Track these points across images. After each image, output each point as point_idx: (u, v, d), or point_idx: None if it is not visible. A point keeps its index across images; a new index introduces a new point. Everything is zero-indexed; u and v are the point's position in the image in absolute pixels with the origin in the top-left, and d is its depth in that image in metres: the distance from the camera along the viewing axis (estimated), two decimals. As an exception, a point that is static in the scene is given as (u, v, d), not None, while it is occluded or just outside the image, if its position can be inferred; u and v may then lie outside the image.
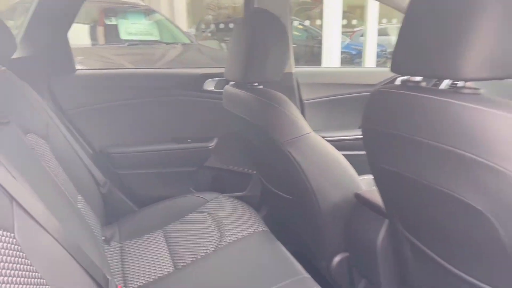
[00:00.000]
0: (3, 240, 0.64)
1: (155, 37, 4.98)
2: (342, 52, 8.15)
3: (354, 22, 9.01)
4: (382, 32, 8.38)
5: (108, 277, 0.99)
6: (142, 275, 1.33)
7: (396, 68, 0.85)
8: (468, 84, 0.75)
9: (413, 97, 0.81)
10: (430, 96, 0.77)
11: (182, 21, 8.43)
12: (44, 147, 1.24)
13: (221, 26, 9.35)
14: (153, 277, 1.31)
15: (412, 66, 0.82)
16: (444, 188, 0.79)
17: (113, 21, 4.72)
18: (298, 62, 2.13)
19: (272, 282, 1.16)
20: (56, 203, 0.99)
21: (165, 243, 1.48)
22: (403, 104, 0.84)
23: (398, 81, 0.91)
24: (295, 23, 8.57)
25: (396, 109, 0.86)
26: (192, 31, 8.85)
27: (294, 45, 2.19)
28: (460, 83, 0.76)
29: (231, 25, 9.13)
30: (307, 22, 8.84)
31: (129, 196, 1.96)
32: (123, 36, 4.59)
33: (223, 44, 9.00)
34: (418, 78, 0.88)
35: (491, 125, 0.68)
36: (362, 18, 8.54)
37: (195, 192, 1.80)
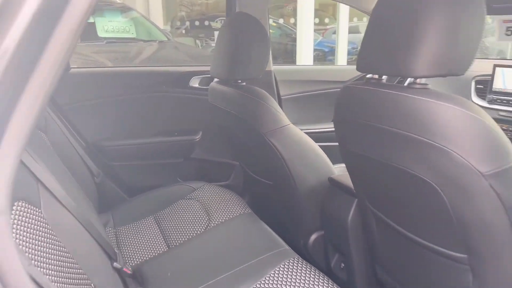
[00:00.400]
0: (34, 214, 0.75)
1: (132, 34, 5.00)
2: (315, 50, 8.30)
3: (326, 20, 9.19)
4: (353, 30, 8.55)
5: (116, 250, 1.12)
6: (138, 255, 1.45)
7: (361, 68, 1.02)
8: (418, 80, 0.92)
9: (375, 92, 0.98)
10: (388, 90, 0.94)
11: (158, 18, 8.41)
12: (45, 140, 1.35)
13: (197, 23, 9.36)
14: (149, 256, 1.44)
15: (373, 66, 0.98)
16: (400, 166, 0.96)
17: (90, 19, 4.74)
18: (274, 60, 2.28)
19: (257, 255, 1.31)
20: (68, 186, 1.11)
21: (157, 227, 1.60)
22: (367, 98, 1.01)
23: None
24: (269, 21, 8.69)
25: (361, 102, 1.03)
26: (167, 28, 8.84)
27: (268, 43, 2.32)
28: (412, 80, 0.93)
29: (206, 23, 9.16)
30: (281, 20, 8.98)
31: (120, 186, 2.05)
32: (101, 34, 4.61)
33: (198, 41, 9.03)
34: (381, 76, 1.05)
35: (435, 113, 0.85)
36: (334, 16, 8.73)
37: (183, 182, 1.92)
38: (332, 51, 8.63)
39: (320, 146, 1.59)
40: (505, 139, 0.85)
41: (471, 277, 0.98)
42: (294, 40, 8.05)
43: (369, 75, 1.08)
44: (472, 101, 2.00)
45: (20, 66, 0.39)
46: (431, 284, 1.13)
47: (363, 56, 1.01)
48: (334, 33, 8.43)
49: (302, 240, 1.62)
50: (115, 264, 1.09)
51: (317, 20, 8.24)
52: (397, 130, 0.92)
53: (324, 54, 9.19)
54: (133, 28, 5.08)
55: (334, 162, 1.61)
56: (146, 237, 1.54)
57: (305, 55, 7.51)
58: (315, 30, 8.18)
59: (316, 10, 8.08)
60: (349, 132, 1.12)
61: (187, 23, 9.54)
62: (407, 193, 1.01)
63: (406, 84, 0.95)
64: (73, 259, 0.82)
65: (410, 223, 1.08)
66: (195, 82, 2.17)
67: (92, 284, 0.87)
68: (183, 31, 9.56)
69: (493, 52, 7.13)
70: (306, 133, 1.62)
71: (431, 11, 0.84)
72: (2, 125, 0.40)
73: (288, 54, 8.63)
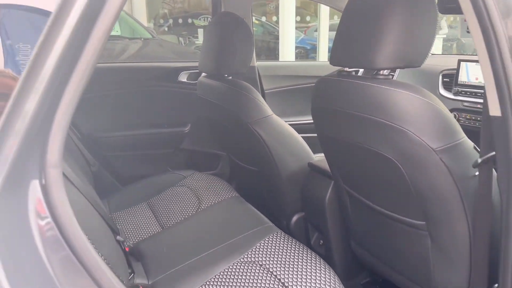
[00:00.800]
0: None
1: (116, 32, 5.07)
2: (298, 47, 8.44)
3: (307, 18, 9.35)
4: (334, 28, 8.68)
5: (118, 227, 1.25)
6: (134, 236, 1.57)
7: (333, 62, 1.16)
8: (381, 72, 1.07)
9: (345, 83, 1.13)
10: (356, 81, 1.09)
11: (142, 16, 8.44)
12: None
13: (180, 21, 9.41)
14: (144, 236, 1.56)
15: (344, 60, 1.13)
16: (368, 146, 1.11)
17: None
18: (259, 57, 2.41)
19: (243, 231, 1.44)
20: (74, 167, 1.23)
21: (150, 212, 1.72)
22: (338, 88, 1.16)
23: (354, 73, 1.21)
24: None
25: (334, 92, 1.18)
26: (151, 26, 8.88)
27: (251, 40, 2.45)
28: (376, 72, 1.08)
29: (189, 20, 9.22)
30: (263, 18, 9.10)
31: (114, 175, 2.16)
32: (86, 31, 4.66)
33: (181, 39, 9.09)
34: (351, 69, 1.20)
35: (395, 99, 1.01)
36: (316, 14, 8.88)
37: (173, 171, 2.05)
38: (314, 49, 8.77)
39: (302, 137, 1.74)
40: (453, 120, 1.01)
41: (430, 242, 1.14)
42: (277, 37, 8.17)
43: (347, 69, 1.22)
44: (440, 93, 2.17)
45: (68, 58, 0.52)
46: (397, 251, 1.29)
47: (335, 52, 1.16)
48: (316, 30, 8.58)
49: (285, 221, 1.77)
50: (118, 237, 1.21)
51: (298, 18, 8.39)
52: (364, 115, 1.07)
53: (306, 51, 9.33)
54: (117, 25, 5.14)
55: (314, 152, 1.76)
56: (141, 220, 1.65)
57: (287, 52, 7.66)
58: (297, 28, 8.32)
59: (298, 8, 8.22)
60: (325, 118, 1.27)
61: (170, 21, 9.57)
62: (374, 170, 1.17)
63: (370, 75, 1.10)
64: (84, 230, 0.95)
65: (378, 197, 1.24)
66: (183, 77, 2.29)
67: (99, 253, 1.00)
68: (166, 29, 9.59)
69: (470, 48, 7.42)
70: (289, 124, 1.77)
71: (390, 13, 0.99)
72: (57, 102, 0.53)
73: (271, 51, 8.75)
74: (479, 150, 0.99)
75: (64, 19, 0.50)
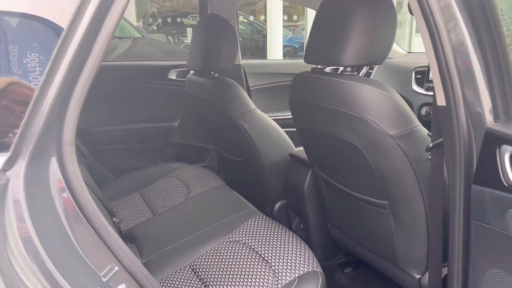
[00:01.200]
0: None
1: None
2: (286, 46, 8.56)
3: (295, 17, 9.47)
4: (321, 27, 8.81)
5: (114, 210, 1.37)
6: (128, 222, 1.69)
7: (307, 60, 1.30)
8: (348, 69, 1.21)
9: (317, 78, 1.27)
10: (326, 77, 1.23)
11: (131, 15, 8.50)
12: None
13: (169, 20, 9.47)
14: (137, 222, 1.69)
15: (316, 58, 1.27)
16: (337, 134, 1.25)
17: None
18: (245, 55, 2.54)
19: (229, 214, 1.58)
20: None
21: (143, 201, 1.84)
22: (312, 83, 1.29)
23: (328, 70, 1.32)
24: (240, 17, 8.93)
25: (307, 86, 1.32)
26: (140, 25, 8.93)
27: (240, 39, 2.58)
28: (343, 69, 1.22)
29: (178, 19, 9.29)
30: (251, 17, 9.21)
31: (107, 167, 2.28)
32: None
33: (170, 38, 9.15)
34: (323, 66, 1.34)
35: (358, 93, 1.15)
36: (303, 13, 9.00)
37: (164, 163, 2.17)
38: (302, 47, 8.88)
39: (285, 131, 1.87)
40: (409, 111, 1.16)
41: (393, 219, 1.29)
42: (265, 36, 8.29)
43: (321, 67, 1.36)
44: (412, 89, 2.33)
45: (79, 58, 0.65)
46: (367, 229, 1.44)
47: (308, 51, 1.29)
48: (304, 29, 8.71)
49: (269, 208, 1.90)
50: (114, 219, 1.34)
51: (285, 17, 8.51)
52: (333, 107, 1.21)
53: (294, 49, 9.43)
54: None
55: (296, 146, 1.89)
56: (134, 208, 1.77)
57: (275, 51, 7.79)
58: (285, 27, 8.43)
59: (286, 7, 8.34)
60: (301, 111, 1.41)
61: (159, 20, 9.62)
62: (343, 156, 1.31)
63: (339, 72, 1.24)
64: None
65: (348, 181, 1.38)
66: (172, 75, 2.42)
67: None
68: (155, 28, 9.64)
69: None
70: (273, 119, 1.90)
71: (354, 17, 1.13)
72: (71, 92, 0.66)
73: (260, 50, 8.86)
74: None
75: (74, 32, 0.63)
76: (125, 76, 2.37)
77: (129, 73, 2.40)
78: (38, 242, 0.59)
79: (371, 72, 2.62)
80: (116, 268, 0.73)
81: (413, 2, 0.98)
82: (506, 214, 0.85)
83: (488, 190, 0.91)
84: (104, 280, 0.70)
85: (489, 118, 0.93)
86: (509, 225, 0.85)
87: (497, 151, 0.87)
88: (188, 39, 8.35)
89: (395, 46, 2.73)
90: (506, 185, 0.86)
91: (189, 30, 8.78)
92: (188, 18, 9.31)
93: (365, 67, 2.64)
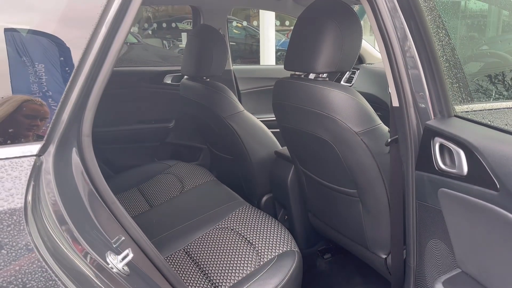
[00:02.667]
0: None
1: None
2: (280, 50, 8.73)
3: (287, 23, 9.66)
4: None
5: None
6: (127, 213, 1.86)
7: (286, 67, 1.48)
8: (320, 75, 1.40)
9: (294, 83, 1.45)
10: (302, 82, 1.42)
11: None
12: None
13: (164, 25, 9.62)
14: (135, 214, 1.86)
15: (293, 65, 1.45)
16: (311, 132, 1.44)
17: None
18: (239, 59, 2.72)
19: (218, 205, 1.75)
20: None
21: (140, 195, 2.01)
22: (290, 87, 1.48)
23: (311, 76, 1.49)
24: (234, 23, 9.13)
25: (287, 90, 1.50)
26: (135, 30, 9.07)
27: (233, 43, 2.77)
28: (315, 75, 1.41)
29: (173, 24, 9.44)
30: (244, 23, 9.39)
31: (106, 165, 2.45)
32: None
33: (165, 42, 9.29)
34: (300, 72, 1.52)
35: (328, 96, 1.33)
36: (295, 19, 9.13)
37: (160, 161, 2.35)
38: (295, 51, 9.02)
39: (272, 132, 2.05)
40: (371, 111, 1.34)
41: (361, 206, 1.47)
42: (259, 41, 8.46)
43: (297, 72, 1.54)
44: (389, 92, 2.51)
45: (96, 64, 0.82)
46: (340, 216, 1.62)
47: (287, 58, 1.48)
48: (296, 34, 8.84)
49: (256, 201, 2.08)
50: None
51: (278, 22, 8.70)
52: (308, 108, 1.39)
53: (287, 53, 9.56)
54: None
55: (282, 145, 2.07)
56: (133, 201, 1.94)
57: (267, 55, 7.97)
58: (279, 31, 8.60)
59: (278, 13, 8.53)
60: (282, 111, 1.59)
61: (155, 25, 9.76)
62: (317, 151, 1.50)
63: (313, 77, 1.42)
64: None
65: (322, 172, 1.57)
66: (168, 79, 2.60)
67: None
68: (150, 32, 9.77)
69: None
70: (262, 121, 2.08)
71: (325, 30, 1.31)
72: (89, 92, 0.83)
73: (254, 54, 9.02)
74: None
75: (90, 50, 0.80)
76: (126, 81, 2.55)
77: (129, 78, 2.58)
78: (63, 210, 0.76)
79: (353, 77, 2.82)
80: (123, 238, 0.90)
81: (374, 26, 1.17)
82: (437, 192, 1.04)
83: (426, 174, 1.10)
84: (114, 246, 0.88)
85: (431, 116, 1.12)
86: (440, 201, 1.04)
87: (431, 142, 1.07)
88: (183, 44, 8.50)
89: (375, 53, 2.93)
90: (437, 168, 1.05)
91: (184, 35, 8.91)
92: (183, 23, 9.46)
93: (347, 72, 2.84)
